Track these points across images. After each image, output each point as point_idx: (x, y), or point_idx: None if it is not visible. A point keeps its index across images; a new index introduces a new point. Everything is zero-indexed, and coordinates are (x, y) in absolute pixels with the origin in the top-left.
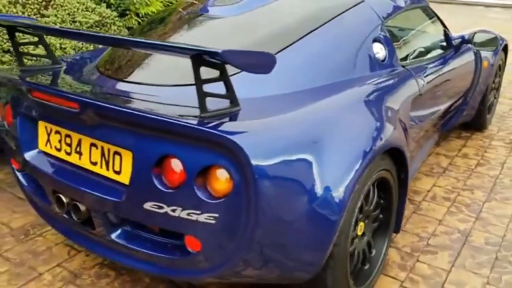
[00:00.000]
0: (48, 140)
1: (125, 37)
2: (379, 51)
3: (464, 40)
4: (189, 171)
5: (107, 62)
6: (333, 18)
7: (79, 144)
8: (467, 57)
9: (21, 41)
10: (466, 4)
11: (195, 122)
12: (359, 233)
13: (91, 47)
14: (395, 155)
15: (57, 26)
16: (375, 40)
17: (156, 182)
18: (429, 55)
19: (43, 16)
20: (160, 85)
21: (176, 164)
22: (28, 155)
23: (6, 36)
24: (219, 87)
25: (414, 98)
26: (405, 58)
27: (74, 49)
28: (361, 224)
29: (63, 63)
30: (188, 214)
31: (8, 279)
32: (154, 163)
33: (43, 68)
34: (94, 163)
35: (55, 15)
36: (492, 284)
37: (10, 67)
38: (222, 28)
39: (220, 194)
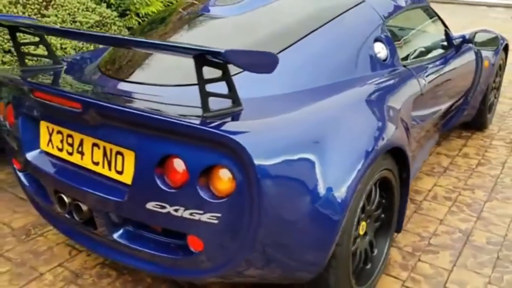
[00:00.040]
0: (50, 140)
1: (126, 37)
2: (380, 50)
3: (465, 40)
4: (191, 171)
5: (108, 62)
6: (334, 18)
7: (81, 144)
8: (468, 57)
9: (22, 41)
10: (468, 4)
11: (197, 122)
12: (361, 232)
13: (92, 47)
14: (397, 154)
15: (58, 26)
16: (376, 40)
17: (158, 182)
18: (430, 55)
19: (43, 16)
20: (162, 85)
21: (178, 164)
22: (30, 155)
23: (7, 37)
24: (220, 87)
25: (415, 98)
26: (406, 58)
27: (74, 49)
28: (363, 223)
29: (64, 63)
30: (190, 214)
31: (10, 279)
32: (156, 163)
33: (45, 68)
34: (96, 163)
35: (56, 15)
36: (493, 283)
37: (12, 67)
38: (224, 28)
39: (222, 194)
